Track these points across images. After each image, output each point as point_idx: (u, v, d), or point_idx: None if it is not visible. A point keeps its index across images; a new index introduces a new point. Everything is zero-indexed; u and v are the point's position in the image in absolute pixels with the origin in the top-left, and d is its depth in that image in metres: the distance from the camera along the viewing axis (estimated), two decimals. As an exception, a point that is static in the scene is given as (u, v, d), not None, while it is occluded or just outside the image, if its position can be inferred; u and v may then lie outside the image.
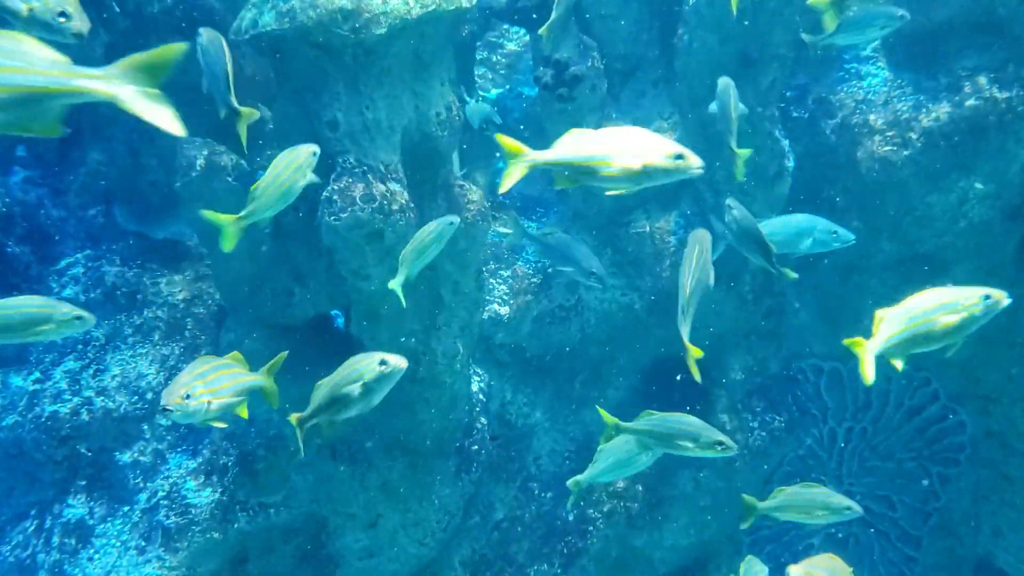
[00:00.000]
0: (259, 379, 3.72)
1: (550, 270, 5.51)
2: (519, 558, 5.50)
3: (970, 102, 4.90)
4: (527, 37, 6.34)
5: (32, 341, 3.84)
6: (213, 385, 3.41)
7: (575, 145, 3.05)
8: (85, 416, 5.24)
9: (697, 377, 3.71)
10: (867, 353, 3.27)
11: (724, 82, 4.41)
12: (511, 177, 3.13)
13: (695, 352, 3.71)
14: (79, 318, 3.55)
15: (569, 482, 4.39)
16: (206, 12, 5.19)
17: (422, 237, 4.07)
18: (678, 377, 5.50)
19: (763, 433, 5.62)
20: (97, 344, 5.45)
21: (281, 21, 4.07)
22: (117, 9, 5.78)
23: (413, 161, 4.59)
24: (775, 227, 4.62)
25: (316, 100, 4.28)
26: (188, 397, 3.31)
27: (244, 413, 3.61)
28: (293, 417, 3.57)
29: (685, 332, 3.74)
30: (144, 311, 5.51)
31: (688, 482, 5.55)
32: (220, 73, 3.90)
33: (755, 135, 5.12)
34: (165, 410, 3.28)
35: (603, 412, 3.99)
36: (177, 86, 5.59)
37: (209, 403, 3.37)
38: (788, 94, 5.64)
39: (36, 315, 3.48)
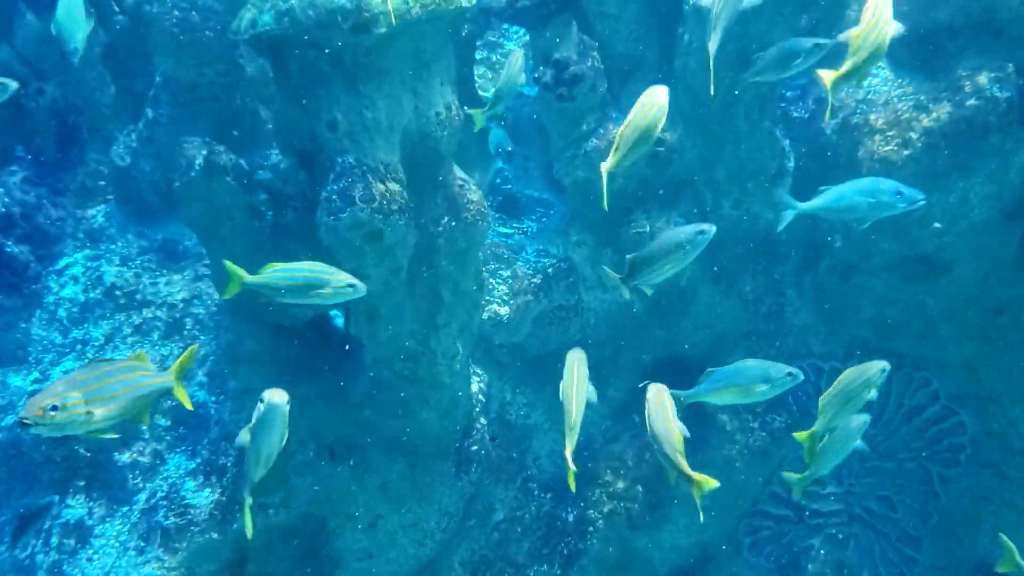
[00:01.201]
0: (166, 380, 3.46)
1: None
2: (519, 559, 5.50)
3: (971, 102, 4.89)
4: (527, 37, 6.33)
5: (311, 304, 4.02)
6: (100, 393, 3.12)
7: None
8: (84, 416, 5.23)
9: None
10: None
11: None
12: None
13: (571, 468, 3.88)
14: (351, 286, 3.79)
15: (681, 396, 4.12)
16: (206, 12, 5.19)
17: (510, 68, 4.65)
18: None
19: (763, 433, 5.62)
20: (96, 344, 5.45)
21: (280, 21, 4.06)
22: (116, 9, 5.79)
23: (413, 161, 4.58)
24: (839, 192, 4.50)
25: (315, 100, 4.28)
26: (55, 409, 3.01)
27: (146, 420, 3.37)
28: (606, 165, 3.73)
29: (570, 447, 3.89)
30: (143, 311, 5.51)
31: (688, 482, 5.54)
32: None
33: (755, 135, 5.12)
34: (23, 423, 3.00)
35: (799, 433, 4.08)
36: (178, 86, 5.61)
37: (89, 413, 3.07)
38: (788, 94, 5.63)
39: (317, 280, 3.77)
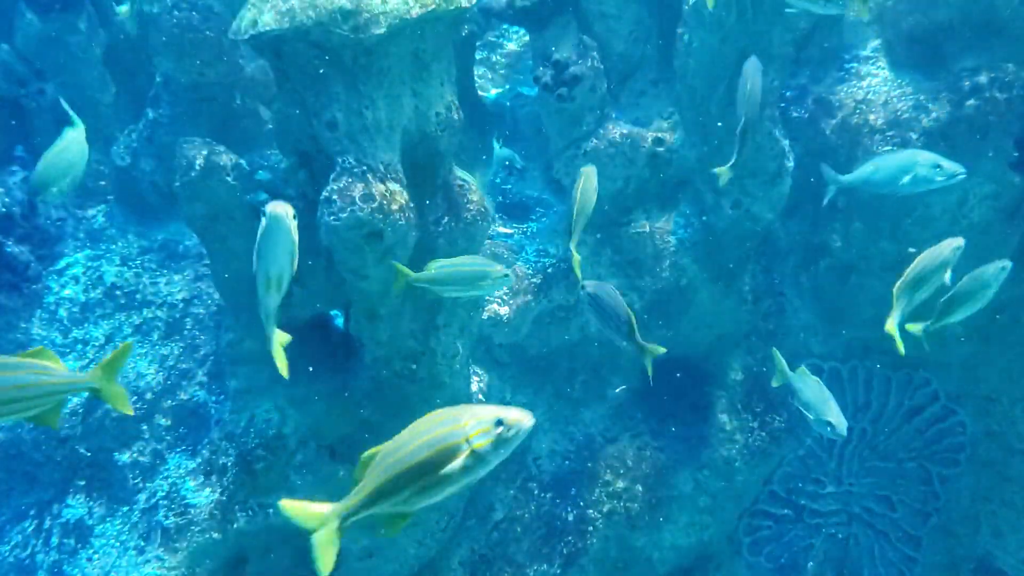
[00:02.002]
0: (73, 380, 3.03)
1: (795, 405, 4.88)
2: (518, 558, 5.50)
3: (970, 102, 4.90)
4: (527, 37, 6.34)
5: (474, 295, 4.35)
6: None
7: None
8: (84, 416, 5.24)
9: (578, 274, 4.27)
10: None
11: (752, 65, 4.22)
12: None
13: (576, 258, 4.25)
14: (507, 276, 4.08)
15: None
16: (206, 12, 5.20)
17: None
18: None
19: (763, 433, 5.62)
20: (97, 344, 5.45)
21: (280, 21, 4.06)
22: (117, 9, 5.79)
23: (413, 161, 4.59)
24: (878, 165, 4.48)
25: (315, 100, 4.28)
26: None
27: (51, 422, 2.98)
28: None
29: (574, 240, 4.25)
30: (143, 311, 5.52)
31: (688, 482, 5.55)
32: None
33: (754, 135, 5.12)
34: None
35: None
36: (178, 86, 5.61)
37: None
38: (788, 94, 5.64)
39: (478, 272, 4.07)
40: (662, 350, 3.98)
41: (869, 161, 4.58)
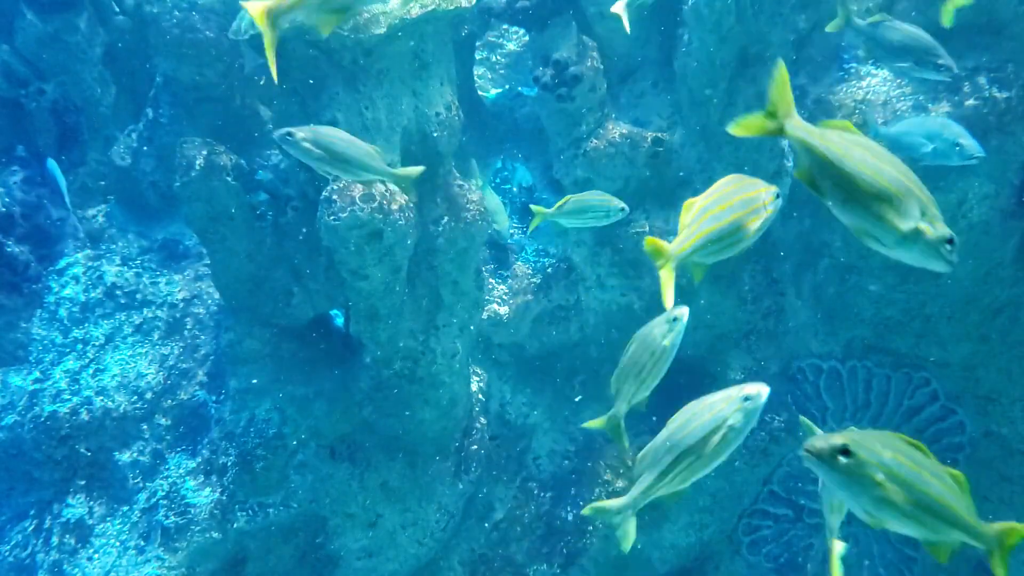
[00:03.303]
0: None
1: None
2: (518, 558, 5.50)
3: (969, 102, 4.90)
4: (526, 37, 6.34)
5: (596, 225, 4.69)
6: None
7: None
8: (84, 416, 5.24)
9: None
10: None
11: None
12: None
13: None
14: (624, 209, 4.36)
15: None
16: (206, 12, 5.20)
17: None
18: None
19: (763, 433, 5.62)
20: (97, 344, 5.46)
21: (280, 21, 4.06)
22: (116, 9, 5.79)
23: (412, 161, 4.59)
24: (910, 126, 4.43)
25: (315, 100, 4.29)
26: None
27: None
28: None
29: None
30: (143, 311, 5.52)
31: (687, 482, 5.55)
32: None
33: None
34: None
35: None
36: (178, 86, 5.60)
37: None
38: (788, 94, 5.63)
39: (603, 205, 4.39)
40: (420, 169, 3.54)
41: (907, 119, 4.53)
